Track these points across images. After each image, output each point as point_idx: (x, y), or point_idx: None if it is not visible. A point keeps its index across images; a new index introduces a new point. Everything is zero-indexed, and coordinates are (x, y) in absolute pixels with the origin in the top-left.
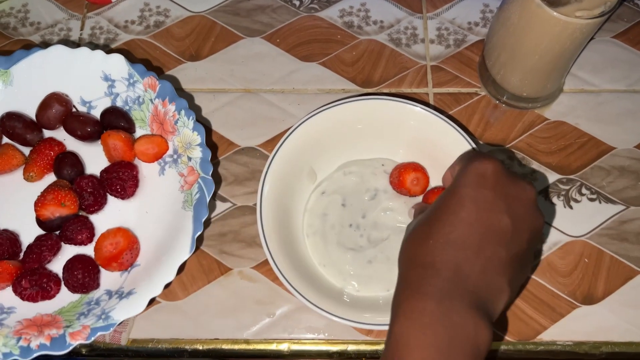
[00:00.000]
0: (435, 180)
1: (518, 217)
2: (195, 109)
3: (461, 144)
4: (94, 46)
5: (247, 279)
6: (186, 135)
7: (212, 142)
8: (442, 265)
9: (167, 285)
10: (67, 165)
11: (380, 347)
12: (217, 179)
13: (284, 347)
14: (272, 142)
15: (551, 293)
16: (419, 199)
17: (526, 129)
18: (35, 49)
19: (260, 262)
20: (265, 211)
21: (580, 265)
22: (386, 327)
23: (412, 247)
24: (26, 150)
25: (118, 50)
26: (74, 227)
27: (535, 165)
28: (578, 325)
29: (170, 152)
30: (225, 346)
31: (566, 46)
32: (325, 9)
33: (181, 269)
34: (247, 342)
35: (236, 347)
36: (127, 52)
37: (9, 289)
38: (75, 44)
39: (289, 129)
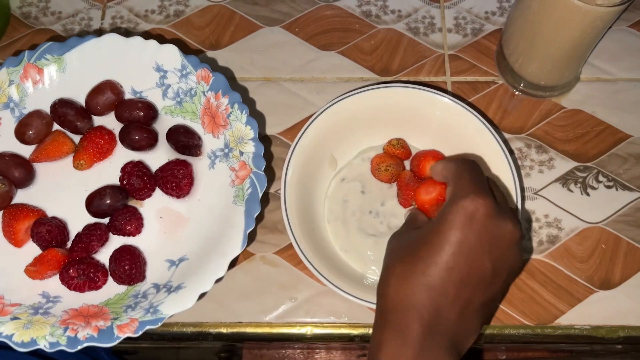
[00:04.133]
0: None
1: (499, 259)
2: None
3: (483, 134)
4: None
5: (269, 264)
6: (239, 130)
7: None
8: (422, 309)
9: (217, 281)
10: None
11: None
12: (270, 174)
13: (306, 330)
14: (292, 130)
15: (569, 278)
16: None
17: (543, 117)
18: (89, 37)
19: (282, 247)
20: (289, 197)
21: (598, 251)
22: None
23: (393, 285)
24: (75, 138)
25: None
26: (122, 217)
27: (552, 152)
28: (595, 310)
29: (221, 145)
30: (248, 329)
31: (586, 34)
32: None
33: (232, 264)
34: (270, 325)
35: (259, 330)
36: (179, 42)
37: (56, 278)
38: (96, 34)
39: (309, 117)
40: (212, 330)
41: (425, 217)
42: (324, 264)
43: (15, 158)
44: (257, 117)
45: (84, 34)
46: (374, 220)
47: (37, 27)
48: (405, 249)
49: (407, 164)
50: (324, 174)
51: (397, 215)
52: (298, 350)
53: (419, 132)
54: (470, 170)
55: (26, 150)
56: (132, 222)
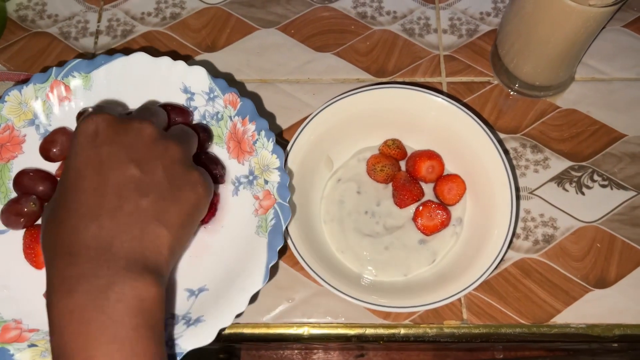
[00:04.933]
0: (451, 168)
1: (144, 158)
2: None
3: (478, 134)
4: (114, 42)
5: None
6: (264, 157)
7: None
8: (80, 249)
9: (237, 316)
10: None
11: (397, 330)
12: (293, 206)
13: (303, 330)
14: (288, 132)
15: (564, 277)
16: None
17: (538, 117)
18: (117, 55)
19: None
20: None
21: (593, 250)
22: (404, 310)
23: (46, 238)
24: None
25: (142, 49)
26: None
27: (547, 152)
28: (591, 308)
29: (245, 172)
30: (246, 330)
31: (580, 34)
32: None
33: (253, 299)
34: (267, 325)
35: (257, 330)
36: (208, 64)
37: None
38: (92, 36)
39: (305, 118)
40: None
41: None
42: (320, 264)
43: (40, 173)
44: None
45: (81, 37)
46: (370, 220)
47: (33, 30)
48: (52, 201)
49: (402, 164)
50: (320, 175)
51: (393, 216)
52: (296, 351)
53: (415, 132)
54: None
55: (51, 168)
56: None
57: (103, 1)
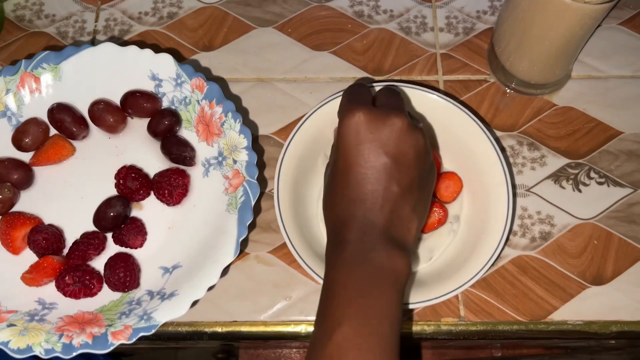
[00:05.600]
0: (448, 166)
1: (396, 150)
2: None
3: (474, 131)
4: (117, 40)
5: (263, 263)
6: (232, 138)
7: None
8: (351, 219)
9: (210, 288)
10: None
11: None
12: (262, 182)
13: (300, 328)
14: (285, 130)
15: (561, 274)
16: None
17: (535, 114)
18: (85, 46)
19: (277, 247)
20: (282, 197)
21: (590, 247)
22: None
23: (326, 210)
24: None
25: (136, 43)
26: (130, 233)
27: (544, 150)
28: (588, 305)
29: (215, 154)
30: (243, 328)
31: (575, 32)
32: None
33: (224, 270)
34: (264, 324)
35: (254, 329)
36: (174, 51)
37: (52, 285)
38: (89, 36)
39: (302, 116)
40: (208, 330)
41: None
42: (317, 262)
43: (14, 161)
44: (250, 117)
45: (78, 37)
46: None
47: (31, 30)
48: (328, 181)
49: None
50: (316, 174)
51: None
52: (294, 350)
53: None
54: (345, 95)
55: (24, 158)
56: (139, 238)
57: (100, 1)
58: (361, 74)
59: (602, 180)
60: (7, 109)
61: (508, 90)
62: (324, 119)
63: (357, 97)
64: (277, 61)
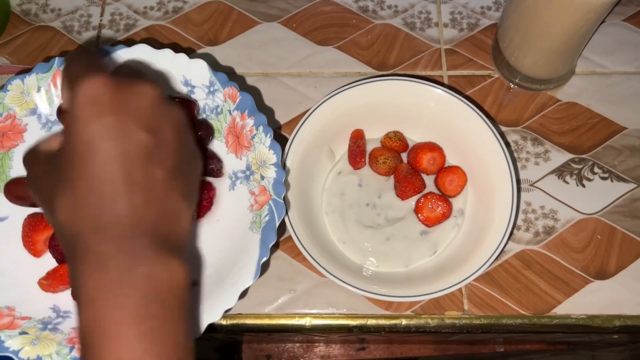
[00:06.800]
0: (452, 160)
1: (153, 124)
2: None
3: (479, 126)
4: (115, 37)
5: None
6: (261, 153)
7: None
8: (109, 224)
9: (226, 311)
10: None
11: (399, 320)
12: (287, 202)
13: (305, 321)
14: (290, 124)
15: (565, 269)
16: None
17: (539, 110)
18: (119, 47)
19: (281, 240)
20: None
21: (593, 241)
22: (405, 300)
23: (59, 214)
24: None
25: (144, 40)
26: None
27: (548, 145)
28: (591, 300)
29: (243, 167)
30: (248, 321)
31: (579, 27)
32: None
33: (242, 294)
34: (269, 316)
35: (259, 321)
36: (210, 57)
37: (67, 293)
38: (95, 30)
39: (306, 111)
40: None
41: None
42: (322, 255)
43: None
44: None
45: (84, 31)
46: (371, 212)
47: (36, 24)
48: (56, 178)
49: (404, 156)
50: (321, 167)
51: (394, 207)
52: (298, 344)
53: (416, 124)
54: (71, 61)
55: None
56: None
57: None
58: (366, 69)
59: (606, 175)
60: (37, 107)
61: (512, 86)
62: (329, 114)
63: (89, 63)
64: (281, 56)
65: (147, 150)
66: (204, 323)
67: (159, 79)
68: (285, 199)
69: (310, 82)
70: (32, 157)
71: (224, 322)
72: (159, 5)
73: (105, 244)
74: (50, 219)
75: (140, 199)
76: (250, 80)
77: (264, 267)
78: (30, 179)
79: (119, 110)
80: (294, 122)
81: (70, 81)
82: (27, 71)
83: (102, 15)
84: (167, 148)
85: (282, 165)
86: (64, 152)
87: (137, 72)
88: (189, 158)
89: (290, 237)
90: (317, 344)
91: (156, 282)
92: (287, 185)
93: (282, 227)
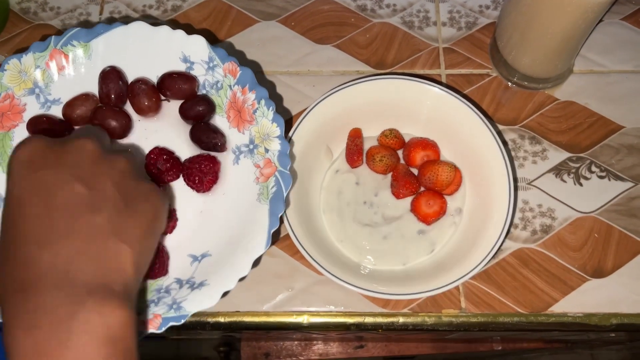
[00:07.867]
0: (450, 158)
1: (90, 175)
2: None
3: (476, 125)
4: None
5: (266, 254)
6: (264, 126)
7: None
8: (36, 281)
9: (240, 279)
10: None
11: (396, 318)
12: (294, 173)
13: (302, 319)
14: (288, 123)
15: (562, 267)
16: None
17: (537, 108)
18: (116, 24)
19: (279, 238)
20: None
21: (590, 240)
22: (402, 297)
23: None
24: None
25: None
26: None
27: (545, 143)
28: (588, 298)
29: (246, 141)
30: (246, 318)
31: (577, 26)
32: None
33: (255, 263)
34: (267, 314)
35: (257, 319)
36: (209, 33)
37: None
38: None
39: (304, 109)
40: (210, 320)
41: None
42: (320, 253)
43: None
44: None
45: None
46: (369, 210)
47: (36, 23)
48: None
49: (401, 154)
50: (319, 166)
51: (390, 206)
52: (296, 342)
53: (413, 123)
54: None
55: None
56: (169, 225)
57: None
58: (364, 67)
59: (603, 174)
60: (35, 86)
61: (510, 85)
62: (327, 112)
63: (31, 137)
64: (280, 54)
65: (83, 200)
66: (220, 292)
67: (156, 57)
68: (291, 169)
69: (309, 81)
70: None
71: (222, 319)
72: (158, 4)
73: (31, 303)
74: None
75: (70, 248)
76: None
77: (263, 267)
78: None
79: (53, 165)
80: (292, 120)
81: (15, 147)
82: (23, 50)
83: (101, 13)
84: (105, 196)
85: (288, 140)
86: (2, 214)
87: (88, 132)
88: (138, 201)
89: (288, 236)
90: (315, 342)
91: (92, 332)
92: (292, 156)
93: (279, 226)
